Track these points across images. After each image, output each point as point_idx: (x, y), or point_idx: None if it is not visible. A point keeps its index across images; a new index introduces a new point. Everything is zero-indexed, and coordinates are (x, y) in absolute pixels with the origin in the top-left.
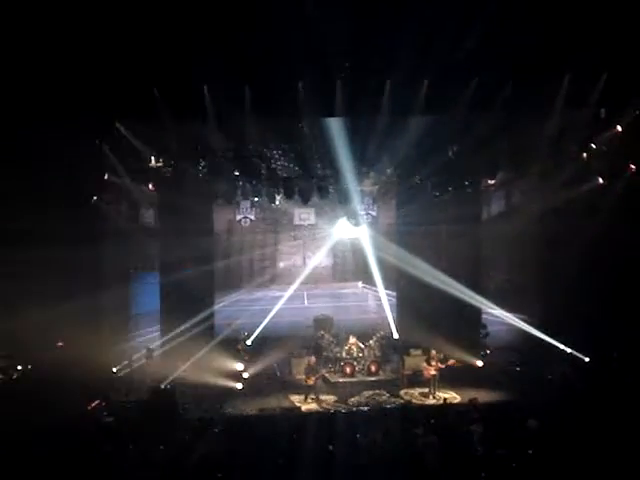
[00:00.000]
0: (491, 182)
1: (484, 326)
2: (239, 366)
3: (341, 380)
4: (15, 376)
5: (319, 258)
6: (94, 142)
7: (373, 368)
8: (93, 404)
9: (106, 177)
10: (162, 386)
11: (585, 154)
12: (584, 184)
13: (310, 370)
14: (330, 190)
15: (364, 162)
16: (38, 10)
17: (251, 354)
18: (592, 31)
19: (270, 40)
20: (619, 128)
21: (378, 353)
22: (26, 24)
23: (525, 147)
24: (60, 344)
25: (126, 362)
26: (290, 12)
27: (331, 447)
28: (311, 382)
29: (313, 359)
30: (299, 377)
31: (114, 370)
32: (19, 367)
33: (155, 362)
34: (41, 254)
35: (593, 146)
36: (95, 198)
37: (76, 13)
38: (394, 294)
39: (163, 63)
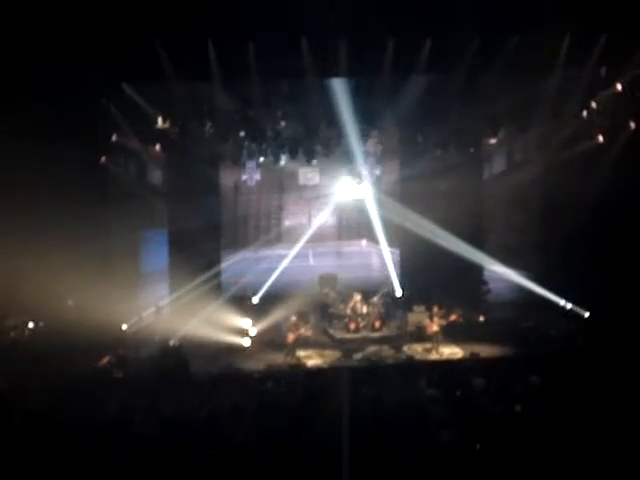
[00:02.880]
0: (493, 141)
1: (486, 282)
2: (246, 323)
3: (346, 336)
4: (27, 334)
5: (324, 217)
6: (101, 103)
7: (377, 324)
8: (103, 360)
9: (114, 139)
10: (171, 343)
11: (586, 112)
12: (585, 142)
13: (290, 327)
14: (334, 150)
15: (368, 122)
16: None
17: (257, 311)
18: None
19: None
20: (619, 87)
21: (382, 310)
22: None
23: (526, 106)
24: (70, 302)
25: (135, 319)
26: None
27: (336, 402)
28: (290, 340)
29: (294, 318)
30: (305, 334)
31: (123, 327)
32: (30, 325)
33: (164, 319)
34: (51, 214)
35: (594, 104)
36: (104, 159)
37: None
38: (397, 252)
39: (168, 22)
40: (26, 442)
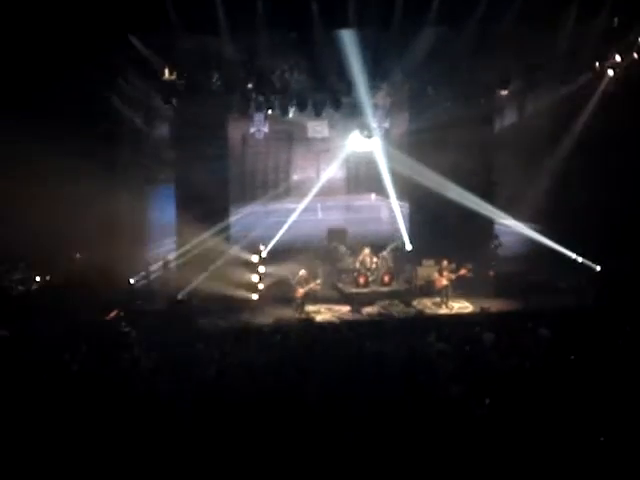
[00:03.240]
0: (504, 93)
1: (496, 236)
2: (255, 277)
3: (355, 291)
4: (34, 287)
5: (332, 170)
6: (108, 54)
7: (386, 279)
8: (112, 314)
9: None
10: (179, 296)
11: (598, 64)
12: (597, 95)
13: (300, 282)
14: (343, 103)
15: (377, 74)
16: None
17: (266, 265)
18: None
19: None
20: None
21: (391, 264)
22: None
23: (538, 58)
24: (78, 256)
25: (143, 273)
26: None
27: (344, 356)
28: (299, 294)
29: (303, 272)
30: (314, 288)
31: (131, 281)
32: (37, 278)
33: (172, 273)
34: (57, 168)
35: (608, 56)
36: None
37: None
38: (407, 205)
39: None
40: (30, 391)
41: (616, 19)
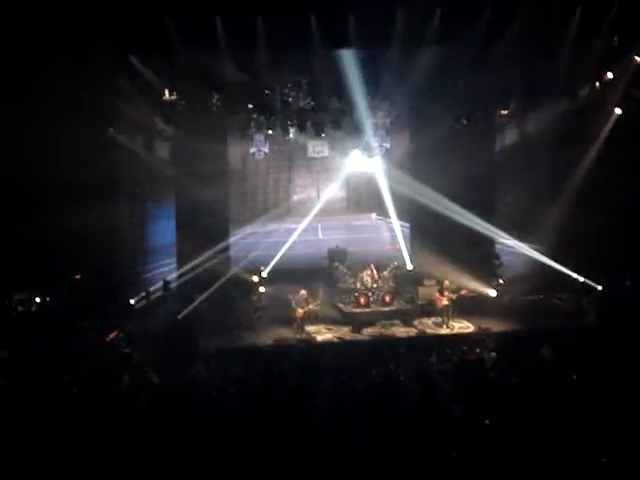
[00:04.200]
0: (504, 112)
1: (497, 256)
2: (255, 298)
3: (355, 311)
4: (34, 308)
5: (333, 190)
6: (109, 75)
7: (387, 299)
8: (111, 335)
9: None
10: (179, 317)
11: (598, 83)
12: (598, 114)
13: (300, 302)
14: (343, 122)
15: (377, 94)
16: None
17: (266, 286)
18: None
19: None
20: (638, 58)
21: (392, 284)
22: None
23: (538, 77)
24: (77, 276)
25: (143, 294)
26: None
27: (345, 377)
28: (299, 315)
29: (303, 292)
30: (315, 309)
31: (131, 302)
32: (37, 299)
33: (172, 294)
34: (59, 186)
35: (608, 75)
36: (111, 131)
37: None
38: (408, 225)
39: None
40: (28, 411)
41: (616, 38)
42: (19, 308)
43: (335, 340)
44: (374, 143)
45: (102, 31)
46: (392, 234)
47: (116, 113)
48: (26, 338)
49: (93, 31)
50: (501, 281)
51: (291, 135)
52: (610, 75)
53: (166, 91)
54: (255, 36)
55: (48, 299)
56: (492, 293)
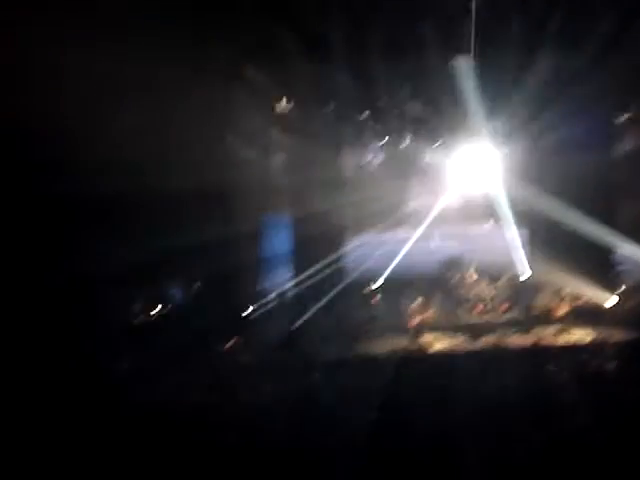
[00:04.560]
0: (627, 115)
1: (618, 263)
2: (370, 307)
3: (471, 320)
4: (153, 316)
5: (448, 199)
6: (225, 83)
7: (504, 307)
8: (230, 343)
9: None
10: (294, 327)
11: None
12: None
13: (415, 311)
14: (459, 130)
15: (494, 100)
16: None
17: (382, 295)
18: None
19: None
20: None
21: (508, 292)
22: None
23: None
24: (197, 284)
25: (259, 304)
26: None
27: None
28: (415, 324)
29: (419, 301)
30: (430, 317)
31: (248, 311)
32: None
33: (287, 304)
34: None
35: None
36: (227, 139)
37: None
38: (525, 233)
39: (291, 4)
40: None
41: None
42: (140, 316)
43: (451, 350)
44: (491, 150)
45: (218, 39)
46: (508, 242)
47: (231, 122)
48: (145, 348)
49: (208, 38)
50: (622, 288)
51: (406, 143)
52: None
53: (281, 101)
54: (370, 45)
55: (169, 306)
56: (612, 301)
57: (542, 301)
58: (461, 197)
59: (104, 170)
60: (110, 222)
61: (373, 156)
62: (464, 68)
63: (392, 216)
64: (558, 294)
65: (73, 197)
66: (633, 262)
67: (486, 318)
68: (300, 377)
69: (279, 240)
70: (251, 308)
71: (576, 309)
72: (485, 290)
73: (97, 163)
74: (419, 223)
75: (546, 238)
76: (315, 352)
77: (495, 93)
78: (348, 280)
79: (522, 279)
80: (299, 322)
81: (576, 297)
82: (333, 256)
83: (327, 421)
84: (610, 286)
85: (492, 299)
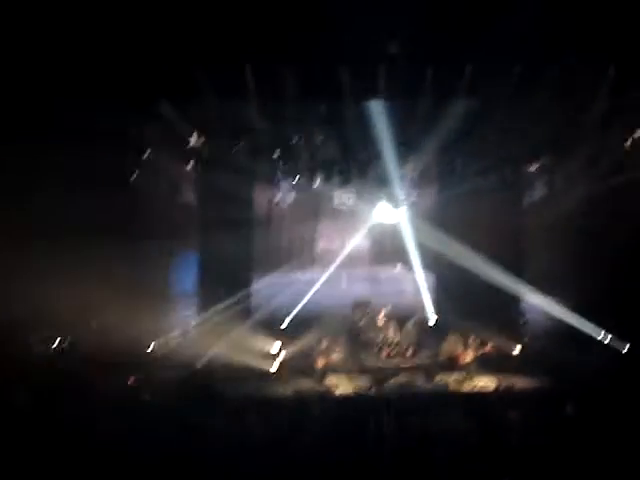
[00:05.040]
0: (534, 166)
1: (523, 312)
2: (275, 347)
3: (377, 364)
4: (52, 350)
5: (358, 241)
6: (134, 120)
7: (409, 352)
8: (131, 380)
9: (145, 156)
10: (198, 366)
11: (631, 141)
12: (630, 172)
13: (321, 353)
14: (370, 173)
15: (405, 145)
16: None
17: (287, 335)
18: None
19: (314, 23)
20: None
21: (415, 337)
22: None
23: (569, 132)
24: (94, 324)
25: (163, 340)
26: None
27: (366, 430)
28: (320, 365)
29: (325, 343)
30: (336, 360)
31: (150, 348)
32: (57, 341)
33: (191, 341)
34: (78, 232)
35: None
36: (134, 176)
37: None
38: (432, 278)
39: (206, 43)
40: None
41: None
42: (37, 349)
43: (356, 393)
44: (401, 194)
45: (129, 77)
46: (416, 286)
47: (140, 158)
48: (45, 379)
49: (120, 77)
50: (526, 338)
51: (317, 184)
52: None
53: (192, 137)
54: (284, 85)
55: (68, 340)
56: (517, 350)
57: (448, 347)
58: (371, 240)
59: None
60: None
61: (284, 195)
62: (378, 112)
63: (302, 256)
64: (464, 340)
65: None
66: (538, 310)
67: (392, 362)
68: (203, 417)
69: (186, 276)
70: (155, 344)
71: (481, 356)
72: (392, 333)
73: None
74: (328, 264)
75: (453, 283)
76: (219, 391)
77: (406, 138)
78: (255, 318)
79: (429, 324)
80: (203, 359)
81: (482, 344)
82: (241, 294)
83: (229, 462)
84: (515, 334)
85: (398, 343)
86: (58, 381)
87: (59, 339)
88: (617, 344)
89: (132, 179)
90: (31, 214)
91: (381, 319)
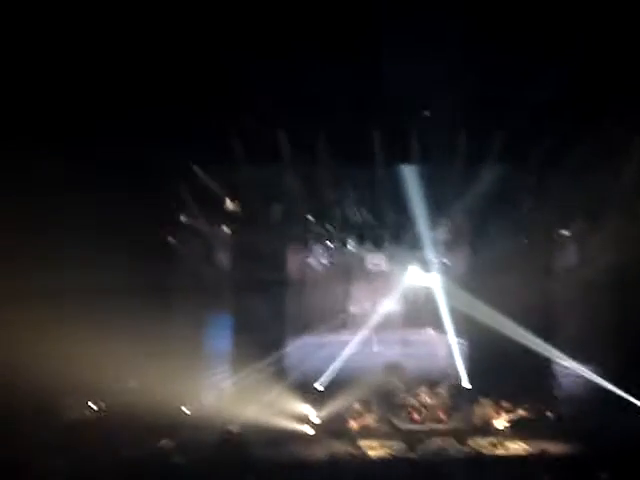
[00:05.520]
0: (565, 232)
1: (555, 377)
2: (309, 409)
3: (410, 427)
4: (86, 414)
5: (390, 304)
6: (170, 185)
7: (441, 416)
8: (162, 442)
9: (182, 218)
10: (231, 428)
11: None
12: None
13: (354, 416)
14: (402, 237)
15: (437, 210)
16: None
17: (320, 398)
18: None
19: (348, 89)
20: None
21: (447, 401)
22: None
23: (601, 199)
24: (132, 384)
25: (196, 402)
26: (366, 60)
27: None
28: (353, 428)
29: (358, 406)
30: (368, 423)
31: (184, 410)
32: (90, 405)
33: (225, 403)
34: (114, 294)
35: None
36: (170, 239)
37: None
38: (464, 342)
39: (239, 108)
40: None
41: None
42: (70, 414)
43: (388, 456)
44: (433, 258)
45: (167, 142)
46: (449, 350)
47: (176, 222)
48: (77, 445)
49: (157, 140)
50: (559, 402)
51: (350, 247)
52: None
53: (227, 200)
54: (317, 150)
55: (102, 404)
56: (549, 415)
57: (480, 411)
58: (402, 302)
59: None
60: None
61: (317, 258)
62: (410, 177)
63: (334, 319)
64: (496, 405)
65: None
66: (570, 375)
67: (424, 425)
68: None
69: (219, 337)
70: (188, 406)
71: (514, 421)
72: (423, 397)
73: None
74: (361, 327)
75: (485, 347)
76: (253, 454)
77: (439, 203)
78: (288, 380)
79: (461, 387)
80: (237, 422)
81: (514, 408)
82: (274, 355)
83: None
84: (548, 398)
85: (430, 406)
86: (91, 446)
87: (92, 403)
88: None
89: (168, 241)
90: (65, 277)
91: (413, 381)
